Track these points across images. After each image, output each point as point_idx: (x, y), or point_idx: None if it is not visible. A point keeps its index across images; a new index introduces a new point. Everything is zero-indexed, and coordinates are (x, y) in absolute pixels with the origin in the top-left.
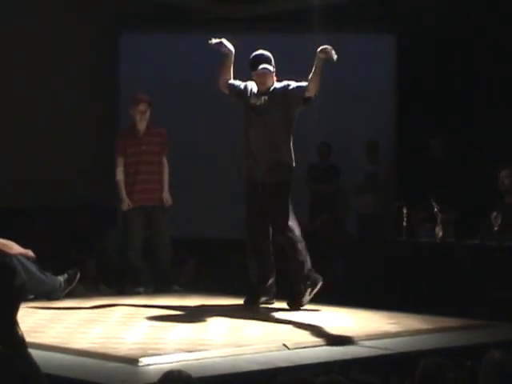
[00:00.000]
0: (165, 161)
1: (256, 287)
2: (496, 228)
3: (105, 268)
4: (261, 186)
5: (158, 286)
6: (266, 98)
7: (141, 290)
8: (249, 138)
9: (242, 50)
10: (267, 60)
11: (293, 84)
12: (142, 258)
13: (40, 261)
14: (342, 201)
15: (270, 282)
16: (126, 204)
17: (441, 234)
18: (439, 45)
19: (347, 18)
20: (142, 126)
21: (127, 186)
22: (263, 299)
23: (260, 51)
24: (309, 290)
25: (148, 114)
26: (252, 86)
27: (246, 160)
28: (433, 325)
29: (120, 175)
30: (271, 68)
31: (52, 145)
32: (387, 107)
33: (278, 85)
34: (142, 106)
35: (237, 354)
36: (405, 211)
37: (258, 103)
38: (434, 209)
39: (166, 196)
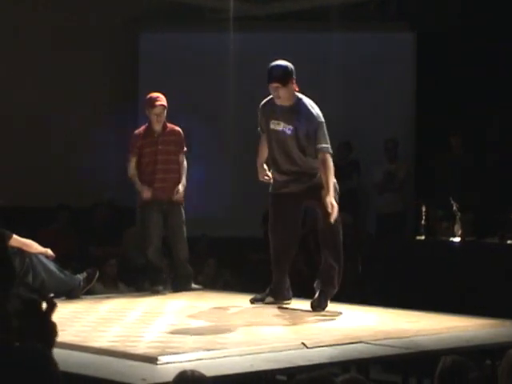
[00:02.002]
0: (182, 158)
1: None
2: None
3: (124, 266)
4: None
5: (178, 284)
6: (288, 126)
7: (160, 288)
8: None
9: (261, 48)
10: (277, 74)
11: (314, 129)
12: (160, 256)
13: (59, 259)
14: (362, 199)
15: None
16: (147, 191)
17: (460, 232)
18: (459, 43)
19: (367, 17)
20: (158, 126)
21: (144, 183)
22: (270, 299)
23: (275, 62)
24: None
25: (164, 114)
26: (270, 100)
27: None
28: (452, 324)
29: (132, 170)
30: (278, 84)
31: (71, 144)
32: (407, 106)
33: (302, 107)
34: (158, 109)
35: (255, 353)
36: (424, 209)
37: (278, 128)
38: (452, 207)
39: (180, 192)
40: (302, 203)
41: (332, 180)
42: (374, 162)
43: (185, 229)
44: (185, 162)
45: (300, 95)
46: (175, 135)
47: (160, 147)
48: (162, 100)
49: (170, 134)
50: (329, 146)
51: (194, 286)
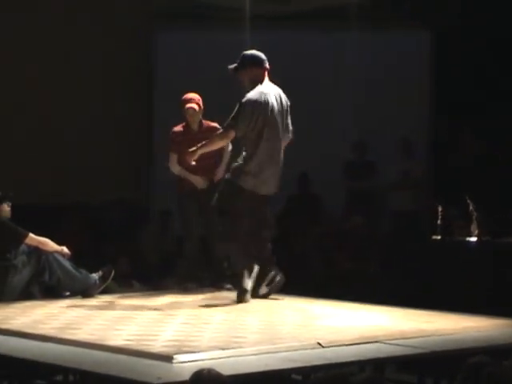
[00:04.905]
0: (226, 147)
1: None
2: None
3: (138, 265)
4: None
5: (211, 281)
6: None
7: (190, 285)
8: None
9: (276, 47)
10: (239, 59)
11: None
12: (197, 251)
13: (74, 258)
14: (377, 198)
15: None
16: (201, 181)
17: (476, 232)
18: (475, 42)
19: (383, 15)
20: (193, 125)
21: (182, 179)
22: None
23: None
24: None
25: (199, 113)
26: None
27: None
28: (469, 324)
29: (176, 165)
30: (232, 66)
31: (86, 143)
32: (423, 104)
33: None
34: (188, 111)
35: (271, 352)
36: (440, 209)
37: None
38: (469, 207)
39: (220, 172)
40: None
41: (209, 147)
42: (389, 161)
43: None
44: (229, 149)
45: (263, 84)
46: (212, 131)
47: (198, 145)
48: (192, 102)
49: (206, 131)
50: (233, 123)
51: (226, 285)
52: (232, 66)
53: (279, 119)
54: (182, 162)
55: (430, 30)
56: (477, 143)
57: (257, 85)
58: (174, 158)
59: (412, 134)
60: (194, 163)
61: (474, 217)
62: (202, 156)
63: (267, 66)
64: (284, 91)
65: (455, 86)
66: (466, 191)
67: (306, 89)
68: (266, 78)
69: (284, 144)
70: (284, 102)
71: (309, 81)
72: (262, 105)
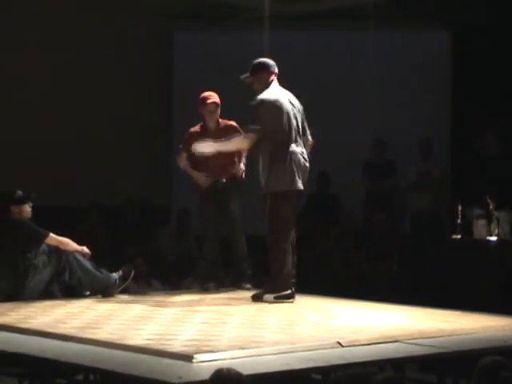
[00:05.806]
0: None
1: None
2: None
3: (157, 264)
4: None
5: (231, 281)
6: None
7: (211, 285)
8: None
9: (293, 47)
10: (250, 68)
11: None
12: (216, 252)
13: (95, 258)
14: (398, 198)
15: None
16: (204, 179)
17: (496, 231)
18: (495, 41)
19: (399, 14)
20: (211, 124)
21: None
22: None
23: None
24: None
25: (217, 112)
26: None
27: None
28: (488, 323)
29: (183, 161)
30: (246, 75)
31: (104, 144)
32: (442, 104)
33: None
34: (210, 107)
35: (290, 352)
36: (459, 209)
37: None
38: (489, 206)
39: (239, 168)
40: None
41: (231, 146)
42: (407, 161)
43: (241, 223)
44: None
45: (272, 86)
46: (230, 130)
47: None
48: (213, 98)
49: (224, 130)
50: (255, 127)
51: (246, 285)
52: (243, 76)
53: (293, 120)
54: (195, 162)
55: (448, 29)
56: (498, 142)
57: (267, 88)
58: (183, 154)
59: (430, 134)
60: (208, 153)
61: (494, 216)
62: (222, 163)
63: (276, 70)
64: (302, 91)
65: (475, 86)
66: (486, 190)
67: (324, 89)
68: (276, 83)
69: (307, 148)
70: (297, 105)
71: (327, 81)
72: (275, 105)
